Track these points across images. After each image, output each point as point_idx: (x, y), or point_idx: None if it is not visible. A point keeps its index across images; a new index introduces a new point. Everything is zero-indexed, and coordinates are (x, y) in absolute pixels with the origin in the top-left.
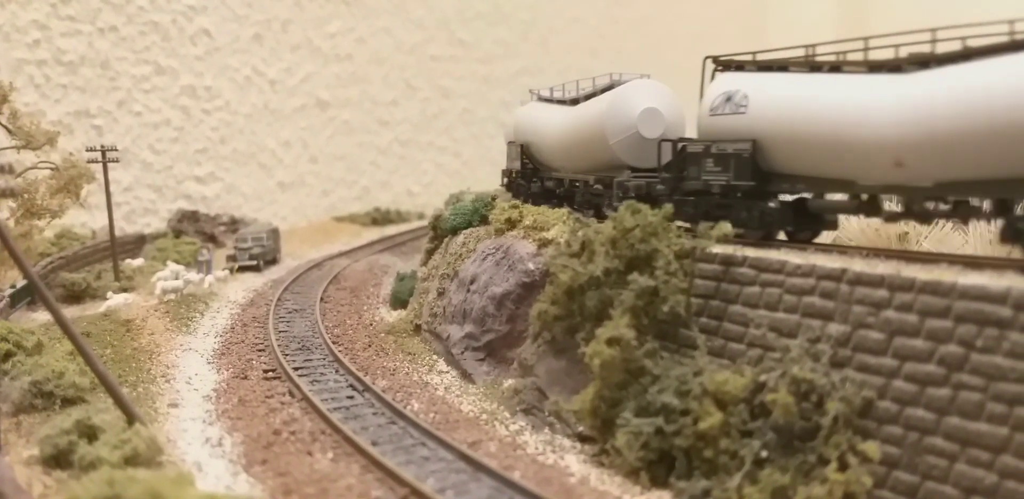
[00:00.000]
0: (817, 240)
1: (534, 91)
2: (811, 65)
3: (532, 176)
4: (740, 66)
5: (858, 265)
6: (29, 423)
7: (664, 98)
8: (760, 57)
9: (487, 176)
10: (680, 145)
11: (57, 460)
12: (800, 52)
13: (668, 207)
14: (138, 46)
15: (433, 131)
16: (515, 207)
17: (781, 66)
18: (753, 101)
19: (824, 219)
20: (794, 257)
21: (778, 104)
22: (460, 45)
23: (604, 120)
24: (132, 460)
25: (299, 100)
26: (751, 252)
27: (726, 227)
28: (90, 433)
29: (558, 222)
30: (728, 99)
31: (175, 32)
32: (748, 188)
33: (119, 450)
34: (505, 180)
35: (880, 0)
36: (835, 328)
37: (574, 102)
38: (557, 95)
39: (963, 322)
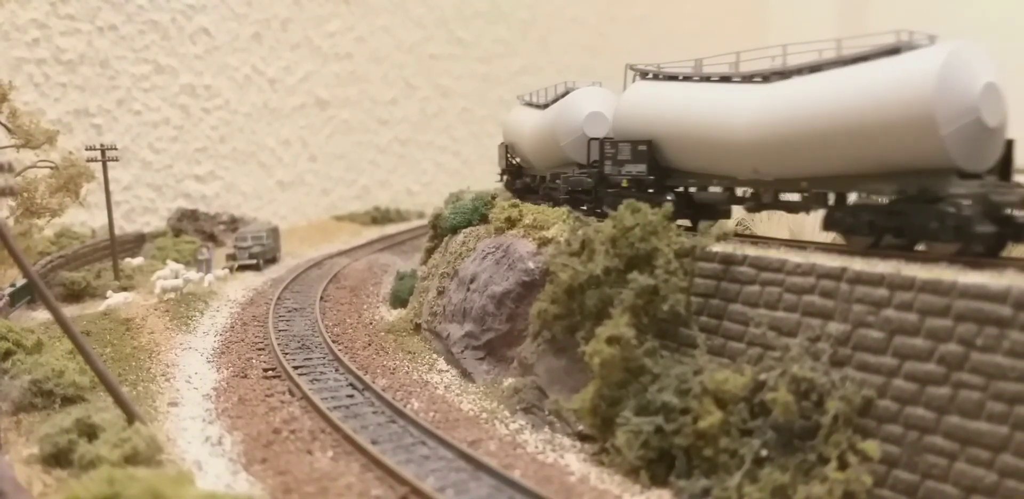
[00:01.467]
0: None
1: (698, 61)
2: None
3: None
4: None
5: (858, 264)
6: (29, 422)
7: (992, 70)
8: None
9: (486, 175)
10: None
11: (57, 459)
12: None
13: (667, 206)
14: (137, 45)
15: (432, 130)
16: (515, 206)
17: None
18: None
19: None
20: (794, 256)
21: None
22: (459, 44)
23: (932, 98)
24: (132, 459)
25: (298, 99)
26: (751, 251)
27: (726, 225)
28: (90, 432)
29: (558, 221)
30: None
31: (174, 31)
32: None
33: (119, 449)
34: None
35: (880, 0)
36: (835, 327)
37: (783, 75)
38: (769, 66)
39: (963, 321)
